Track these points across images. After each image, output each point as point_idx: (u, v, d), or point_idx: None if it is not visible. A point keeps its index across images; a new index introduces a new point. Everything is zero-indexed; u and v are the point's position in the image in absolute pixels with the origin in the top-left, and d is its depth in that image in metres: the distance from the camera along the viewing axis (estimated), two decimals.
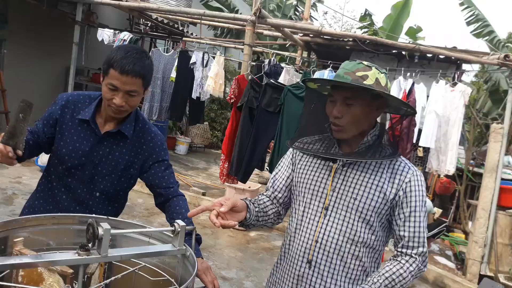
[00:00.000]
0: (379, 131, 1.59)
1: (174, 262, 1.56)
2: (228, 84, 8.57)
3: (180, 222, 1.50)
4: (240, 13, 10.33)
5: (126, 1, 6.97)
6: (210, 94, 6.42)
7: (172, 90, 6.62)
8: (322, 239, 1.55)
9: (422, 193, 1.54)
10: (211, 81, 5.95)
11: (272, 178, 1.79)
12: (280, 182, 1.75)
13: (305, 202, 1.62)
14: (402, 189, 1.52)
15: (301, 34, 7.41)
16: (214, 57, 6.26)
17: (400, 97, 4.67)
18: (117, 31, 7.08)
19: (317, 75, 5.65)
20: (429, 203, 6.52)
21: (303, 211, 1.62)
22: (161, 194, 1.87)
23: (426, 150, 5.86)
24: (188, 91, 6.51)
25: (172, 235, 1.51)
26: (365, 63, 1.52)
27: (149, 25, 9.68)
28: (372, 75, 1.49)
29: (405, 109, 1.64)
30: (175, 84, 6.52)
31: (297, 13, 13.07)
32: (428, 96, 5.31)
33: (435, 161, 5.32)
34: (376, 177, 1.54)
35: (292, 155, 1.75)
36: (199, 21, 7.24)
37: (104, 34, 7.07)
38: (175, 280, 1.49)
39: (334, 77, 1.55)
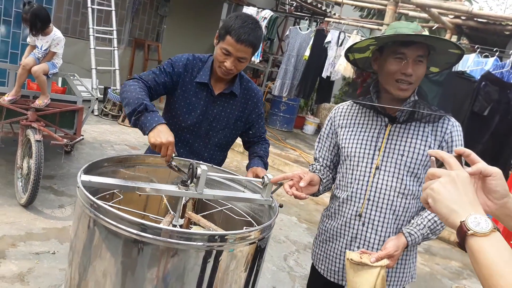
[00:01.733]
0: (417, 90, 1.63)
1: (260, 210, 1.68)
2: None
3: (269, 175, 1.61)
4: None
5: None
6: (341, 74, 6.35)
7: (303, 68, 6.72)
8: (374, 196, 1.64)
9: (462, 143, 1.63)
10: (343, 60, 5.87)
11: (317, 149, 1.87)
12: (326, 151, 1.83)
13: (353, 165, 1.68)
14: (445, 140, 1.61)
15: (452, 17, 6.79)
16: (350, 37, 6.15)
17: None
18: (259, 9, 7.41)
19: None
20: None
21: (352, 173, 1.68)
22: (253, 141, 2.14)
23: None
24: (319, 70, 6.55)
25: (261, 186, 1.64)
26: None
27: (294, 4, 9.91)
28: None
29: (452, 52, 1.55)
30: (308, 62, 6.61)
31: None
32: None
33: None
34: (419, 132, 1.61)
35: (331, 123, 1.79)
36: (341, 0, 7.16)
37: (248, 12, 7.47)
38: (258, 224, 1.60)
39: (401, 35, 1.50)
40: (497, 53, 5.14)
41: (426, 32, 1.60)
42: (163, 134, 1.56)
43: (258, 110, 2.09)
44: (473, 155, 0.89)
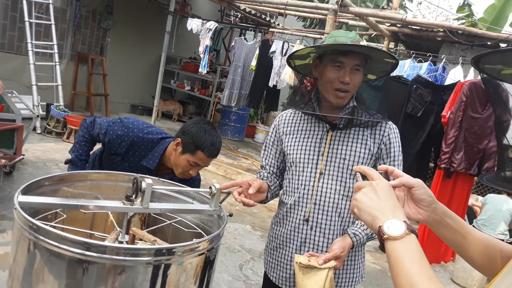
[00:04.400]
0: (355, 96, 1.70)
1: (209, 220, 1.69)
2: None
3: (216, 185, 1.63)
4: (331, 4, 10.20)
5: None
6: (287, 83, 6.49)
7: (252, 78, 6.82)
8: (320, 200, 1.68)
9: (399, 144, 1.71)
10: (288, 69, 6.02)
11: (263, 157, 1.91)
12: (272, 159, 1.87)
13: (298, 171, 1.73)
14: (383, 142, 1.68)
15: (388, 24, 7.15)
16: (293, 46, 6.31)
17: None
18: (204, 21, 7.44)
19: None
20: None
21: (298, 179, 1.73)
22: None
23: None
24: (266, 80, 6.67)
25: (209, 197, 1.65)
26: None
27: (239, 16, 10.02)
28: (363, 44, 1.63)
29: (387, 61, 1.64)
30: (255, 72, 6.71)
31: (391, 4, 12.54)
32: None
33: None
34: (359, 136, 1.68)
35: (276, 130, 1.84)
36: (284, 11, 7.33)
37: (193, 24, 7.48)
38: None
39: (339, 45, 1.57)
40: (430, 58, 5.48)
41: (364, 42, 1.68)
42: None
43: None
44: (396, 171, 0.98)
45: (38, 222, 1.18)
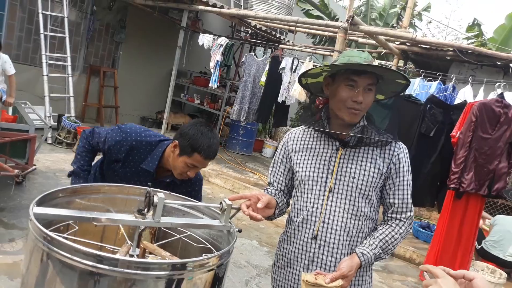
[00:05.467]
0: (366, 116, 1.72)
1: (219, 235, 1.70)
2: None
3: (226, 200, 1.64)
4: (341, 21, 10.30)
5: (227, 9, 7.42)
6: (296, 98, 6.53)
7: (261, 93, 6.88)
8: (329, 219, 1.68)
9: (408, 164, 1.72)
10: (297, 85, 6.06)
11: (271, 174, 1.90)
12: (280, 176, 1.86)
13: (307, 189, 1.72)
14: (393, 162, 1.69)
15: (398, 43, 7.19)
16: (303, 63, 6.37)
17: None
18: (215, 37, 7.54)
19: None
20: None
21: (307, 197, 1.72)
22: None
23: None
24: (275, 95, 6.72)
25: (219, 212, 1.67)
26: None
27: (249, 32, 10.15)
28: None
29: (399, 82, 1.66)
30: (265, 87, 6.76)
31: (400, 22, 12.63)
32: None
33: None
34: (369, 154, 1.68)
35: (285, 148, 1.84)
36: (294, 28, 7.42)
37: (204, 39, 7.58)
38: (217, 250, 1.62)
39: (355, 64, 1.59)
40: (440, 77, 5.49)
41: (376, 62, 1.70)
42: None
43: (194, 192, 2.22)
44: (467, 274, 1.02)
45: (52, 234, 1.20)
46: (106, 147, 2.11)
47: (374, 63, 1.64)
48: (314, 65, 7.04)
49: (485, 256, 4.83)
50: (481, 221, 5.48)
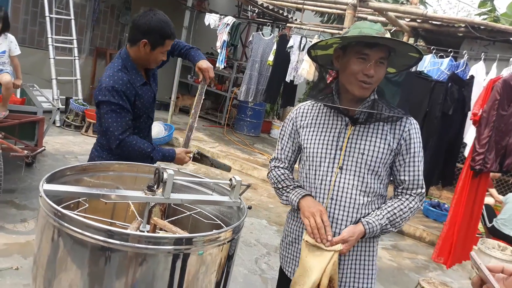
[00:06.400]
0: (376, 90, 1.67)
1: (229, 212, 1.69)
2: None
3: (236, 177, 1.63)
4: None
5: None
6: (304, 78, 6.45)
7: (269, 73, 6.80)
8: (337, 195, 1.65)
9: (419, 140, 1.67)
10: (306, 64, 5.98)
11: (280, 150, 1.85)
12: (289, 151, 1.83)
13: (315, 165, 1.69)
14: (403, 138, 1.64)
15: (408, 20, 7.04)
16: (311, 42, 6.27)
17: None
18: (222, 16, 7.44)
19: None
20: None
21: (315, 174, 1.69)
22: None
23: None
24: (283, 75, 6.64)
25: (229, 188, 1.65)
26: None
27: (256, 11, 10.00)
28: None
29: (411, 55, 1.60)
30: (272, 67, 6.68)
31: None
32: None
33: None
34: (379, 130, 1.64)
35: (293, 123, 1.79)
36: (302, 6, 7.29)
37: (211, 19, 7.48)
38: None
39: (367, 36, 1.52)
40: (451, 54, 5.38)
41: (388, 34, 1.63)
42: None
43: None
44: (507, 267, 0.96)
45: (63, 210, 1.20)
46: (127, 107, 2.09)
47: (386, 35, 1.59)
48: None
49: (496, 234, 4.80)
50: (492, 200, 5.46)
